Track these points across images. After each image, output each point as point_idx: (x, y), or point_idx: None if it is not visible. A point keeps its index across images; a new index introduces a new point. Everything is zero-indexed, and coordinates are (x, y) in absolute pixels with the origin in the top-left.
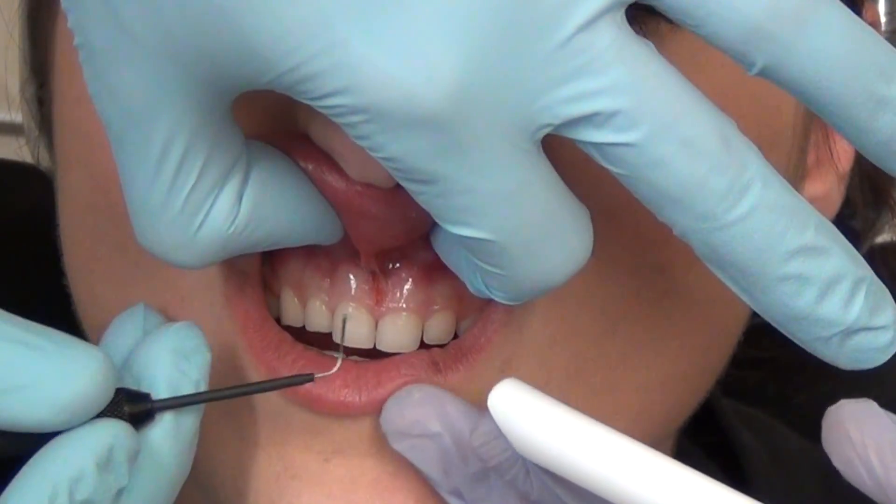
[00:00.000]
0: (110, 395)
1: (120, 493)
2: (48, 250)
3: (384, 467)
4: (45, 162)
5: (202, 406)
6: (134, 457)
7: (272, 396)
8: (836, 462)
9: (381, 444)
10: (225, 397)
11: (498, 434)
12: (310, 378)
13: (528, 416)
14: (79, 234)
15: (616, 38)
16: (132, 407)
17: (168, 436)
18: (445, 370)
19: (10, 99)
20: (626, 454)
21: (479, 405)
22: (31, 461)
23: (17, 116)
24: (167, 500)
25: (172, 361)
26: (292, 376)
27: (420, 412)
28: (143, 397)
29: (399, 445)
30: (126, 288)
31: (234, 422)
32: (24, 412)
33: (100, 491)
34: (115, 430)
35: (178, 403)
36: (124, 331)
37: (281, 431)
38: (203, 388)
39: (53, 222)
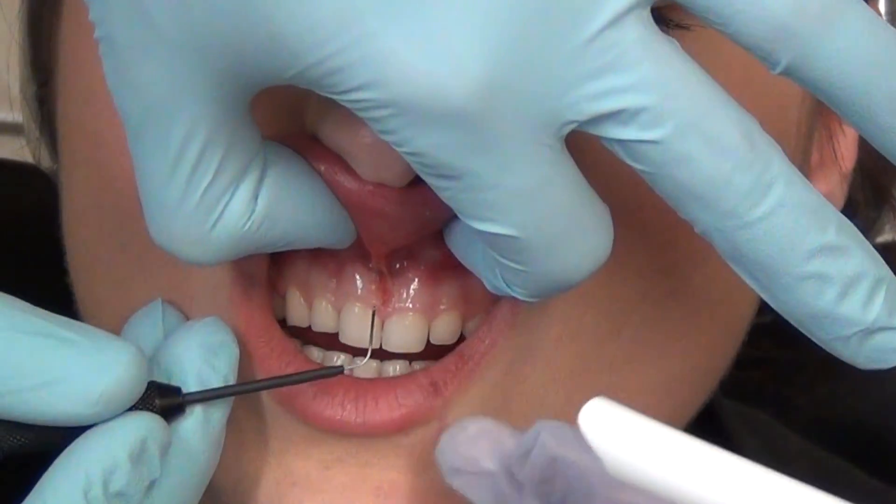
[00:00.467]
0: (142, 388)
1: (152, 485)
2: (49, 251)
3: (386, 475)
4: (45, 162)
5: (231, 400)
6: (166, 449)
7: (271, 406)
8: None
9: (381, 453)
10: (254, 390)
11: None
12: (339, 370)
13: (622, 431)
14: (82, 234)
15: (642, 34)
16: (163, 400)
17: (198, 428)
18: (444, 388)
19: (10, 99)
20: (729, 469)
21: (483, 408)
22: (65, 453)
23: (17, 116)
24: (197, 492)
25: (201, 356)
26: (321, 368)
27: (474, 449)
28: (173, 390)
29: (455, 482)
30: (129, 289)
31: (234, 426)
32: (58, 406)
33: (133, 483)
34: (147, 423)
35: (207, 396)
36: (144, 327)
37: (280, 439)
38: (231, 382)
39: (54, 222)
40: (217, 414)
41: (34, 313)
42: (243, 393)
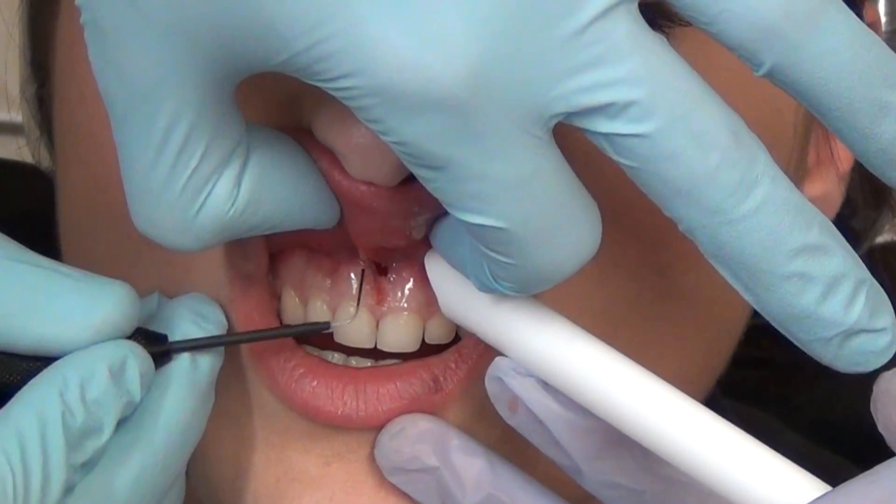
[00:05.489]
0: (133, 324)
1: (132, 410)
2: (48, 250)
3: None
4: (45, 162)
5: (220, 356)
6: (148, 380)
7: (271, 401)
8: (882, 428)
9: None
10: (241, 341)
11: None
12: (326, 326)
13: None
14: (78, 234)
15: (632, 28)
16: (150, 347)
17: (184, 375)
18: (445, 383)
19: (10, 99)
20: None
21: (480, 410)
22: (47, 368)
23: (17, 116)
24: (180, 444)
25: (192, 319)
26: (310, 323)
27: (417, 448)
28: (161, 338)
29: (395, 479)
30: None
31: (232, 422)
32: (48, 330)
33: (110, 395)
34: (130, 347)
35: (194, 345)
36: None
37: (280, 435)
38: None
39: (53, 222)
40: (204, 366)
41: (31, 251)
42: (230, 343)
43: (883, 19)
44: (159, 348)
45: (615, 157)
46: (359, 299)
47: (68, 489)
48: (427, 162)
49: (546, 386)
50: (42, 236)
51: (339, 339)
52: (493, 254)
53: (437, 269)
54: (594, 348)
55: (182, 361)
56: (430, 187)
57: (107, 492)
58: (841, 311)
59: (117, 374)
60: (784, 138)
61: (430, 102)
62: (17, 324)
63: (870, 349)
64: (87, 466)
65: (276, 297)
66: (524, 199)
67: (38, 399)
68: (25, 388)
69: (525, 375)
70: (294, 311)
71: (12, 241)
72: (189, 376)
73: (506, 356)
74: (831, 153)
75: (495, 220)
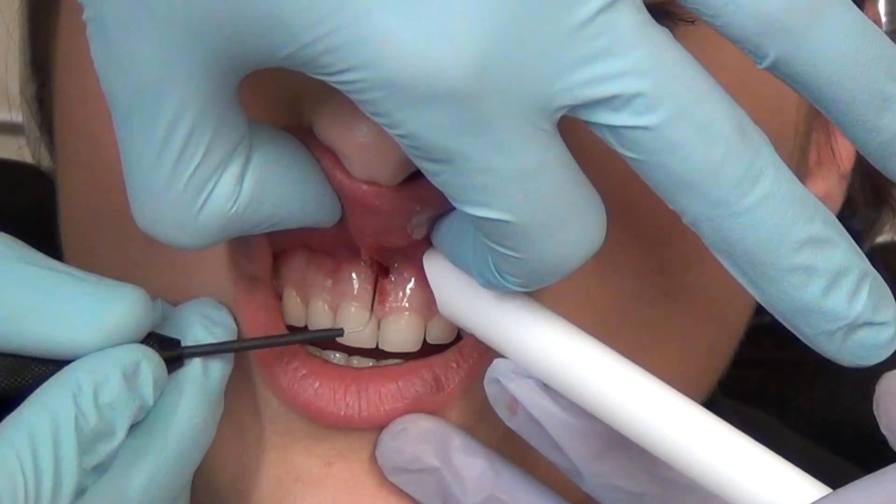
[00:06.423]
0: (146, 328)
1: (145, 414)
2: (48, 252)
3: None
4: (45, 162)
5: (231, 362)
6: (161, 384)
7: (273, 402)
8: (884, 428)
9: None
10: (254, 347)
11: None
12: (341, 332)
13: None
14: (80, 235)
15: (637, 20)
16: (163, 352)
17: (195, 381)
18: (447, 382)
19: (10, 99)
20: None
21: (482, 410)
22: (59, 372)
23: (17, 116)
24: (192, 449)
25: (203, 325)
26: (325, 329)
27: (418, 448)
28: (173, 343)
29: (396, 479)
30: None
31: (234, 423)
32: (60, 333)
33: (123, 399)
34: (144, 350)
35: (206, 350)
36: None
37: (281, 436)
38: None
39: (54, 222)
40: (216, 371)
41: (41, 254)
42: (243, 350)
43: (883, 19)
44: (172, 353)
45: (620, 150)
46: (373, 304)
47: (80, 492)
48: (433, 155)
49: (545, 388)
50: (42, 237)
51: (340, 339)
52: (498, 248)
53: (436, 270)
54: (593, 349)
55: (194, 367)
56: (436, 181)
57: (119, 495)
58: (845, 303)
59: (131, 378)
60: (786, 137)
61: (436, 94)
62: (29, 326)
63: (873, 342)
64: (99, 470)
65: (278, 297)
66: (530, 191)
67: (50, 402)
68: (38, 391)
69: (524, 377)
70: (295, 311)
71: (23, 243)
72: (201, 382)
73: (505, 357)
74: (832, 153)
75: (501, 212)
